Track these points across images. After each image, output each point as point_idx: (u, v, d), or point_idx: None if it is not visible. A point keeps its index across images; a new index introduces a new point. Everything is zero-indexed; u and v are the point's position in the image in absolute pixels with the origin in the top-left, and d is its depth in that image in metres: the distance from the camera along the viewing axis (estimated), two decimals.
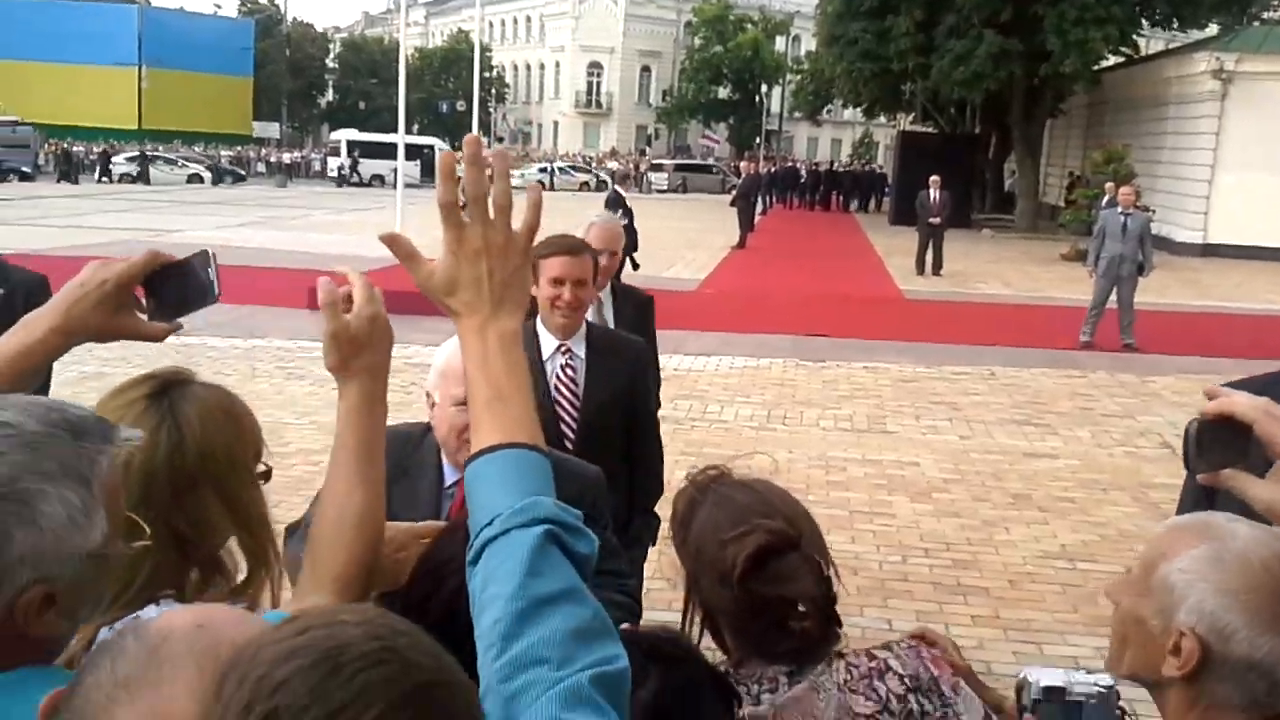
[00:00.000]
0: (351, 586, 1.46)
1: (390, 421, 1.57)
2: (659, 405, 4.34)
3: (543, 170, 55.84)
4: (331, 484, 1.49)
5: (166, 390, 1.67)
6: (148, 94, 64.25)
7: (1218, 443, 1.39)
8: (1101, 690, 1.56)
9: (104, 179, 46.54)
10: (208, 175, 49.37)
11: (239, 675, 0.86)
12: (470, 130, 30.74)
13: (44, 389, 2.32)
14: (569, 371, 3.47)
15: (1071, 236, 24.86)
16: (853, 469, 8.09)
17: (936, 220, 20.68)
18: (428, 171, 49.85)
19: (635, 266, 14.63)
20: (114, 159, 48.52)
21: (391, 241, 1.26)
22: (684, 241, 25.49)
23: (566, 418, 3.44)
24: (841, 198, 47.50)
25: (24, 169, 45.36)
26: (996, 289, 19.84)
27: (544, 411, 3.07)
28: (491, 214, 1.23)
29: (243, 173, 53.59)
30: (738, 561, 1.55)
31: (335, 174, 51.35)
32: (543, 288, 3.42)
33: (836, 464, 8.20)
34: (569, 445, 3.33)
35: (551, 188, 53.21)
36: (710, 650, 1.62)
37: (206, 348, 11.50)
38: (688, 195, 50.67)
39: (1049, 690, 1.55)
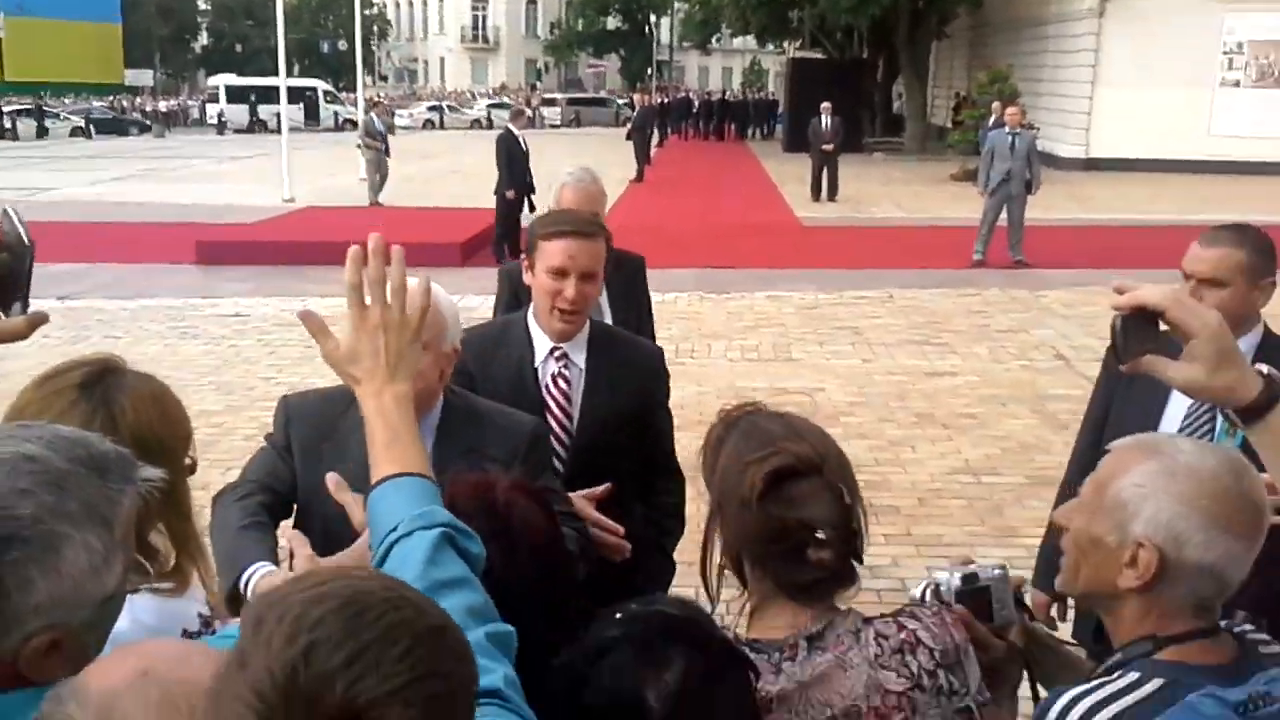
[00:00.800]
0: None
1: (314, 383, 1.58)
2: (670, 420, 3.12)
3: (433, 109, 54.87)
4: None
5: (99, 379, 1.67)
6: (8, 44, 60.91)
7: (1137, 333, 1.44)
8: (1000, 573, 1.74)
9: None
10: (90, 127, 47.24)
11: (278, 613, 0.93)
12: (355, 70, 29.81)
13: None
14: (561, 383, 2.79)
15: (960, 157, 25.24)
16: (761, 398, 8.18)
17: (829, 147, 20.88)
18: (311, 114, 48.41)
19: (533, 209, 14.48)
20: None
21: (306, 318, 1.46)
22: None
23: (556, 440, 2.75)
24: (735, 126, 47.63)
25: None
26: (890, 212, 20.16)
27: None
28: (389, 296, 1.44)
29: (148, 123, 50.41)
30: (756, 481, 1.54)
31: (215, 121, 49.47)
32: (539, 277, 2.69)
33: (746, 394, 8.28)
34: (560, 469, 2.68)
35: (441, 126, 52.40)
36: (725, 602, 1.62)
37: (94, 310, 11.12)
38: (582, 129, 50.26)
39: (966, 579, 1.71)
